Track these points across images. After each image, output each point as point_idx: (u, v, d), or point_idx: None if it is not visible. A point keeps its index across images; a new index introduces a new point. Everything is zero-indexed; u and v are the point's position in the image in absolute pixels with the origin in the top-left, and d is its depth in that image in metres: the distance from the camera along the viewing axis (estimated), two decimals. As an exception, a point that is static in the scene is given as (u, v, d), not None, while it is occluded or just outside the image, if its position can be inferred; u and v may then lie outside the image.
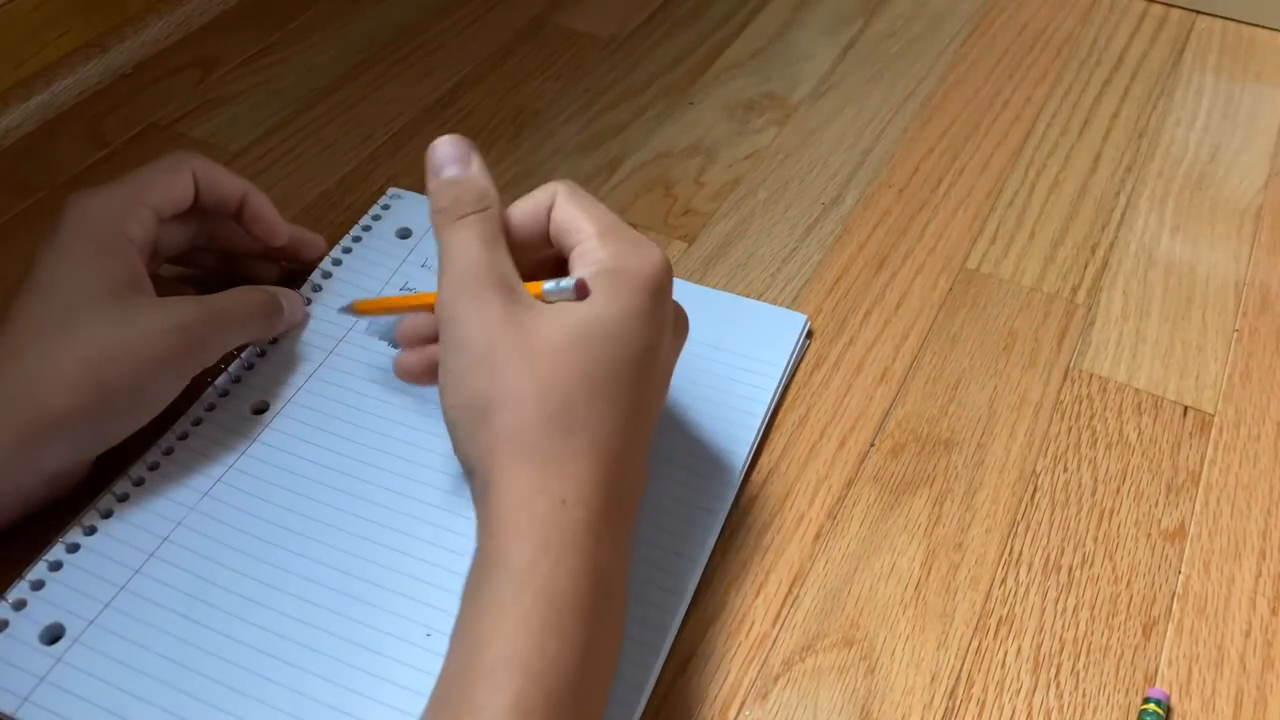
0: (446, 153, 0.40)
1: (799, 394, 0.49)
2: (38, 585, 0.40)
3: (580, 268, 0.38)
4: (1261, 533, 0.44)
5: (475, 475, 0.36)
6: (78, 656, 0.38)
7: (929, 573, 0.43)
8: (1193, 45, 0.70)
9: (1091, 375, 0.50)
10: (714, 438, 0.46)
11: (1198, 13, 0.72)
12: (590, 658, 0.32)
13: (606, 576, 0.34)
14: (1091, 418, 0.48)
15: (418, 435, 0.45)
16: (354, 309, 0.47)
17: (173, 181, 0.45)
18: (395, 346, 0.48)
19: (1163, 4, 0.73)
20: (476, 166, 0.40)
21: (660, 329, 0.38)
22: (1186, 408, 0.49)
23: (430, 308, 0.44)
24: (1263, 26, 0.71)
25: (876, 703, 0.39)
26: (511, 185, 0.58)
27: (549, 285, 0.37)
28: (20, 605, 0.39)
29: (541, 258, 0.41)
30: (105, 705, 0.37)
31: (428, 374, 0.42)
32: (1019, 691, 0.39)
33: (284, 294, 0.48)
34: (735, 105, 0.64)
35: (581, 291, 0.37)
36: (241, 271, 0.52)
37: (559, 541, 0.33)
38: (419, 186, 0.57)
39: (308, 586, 0.40)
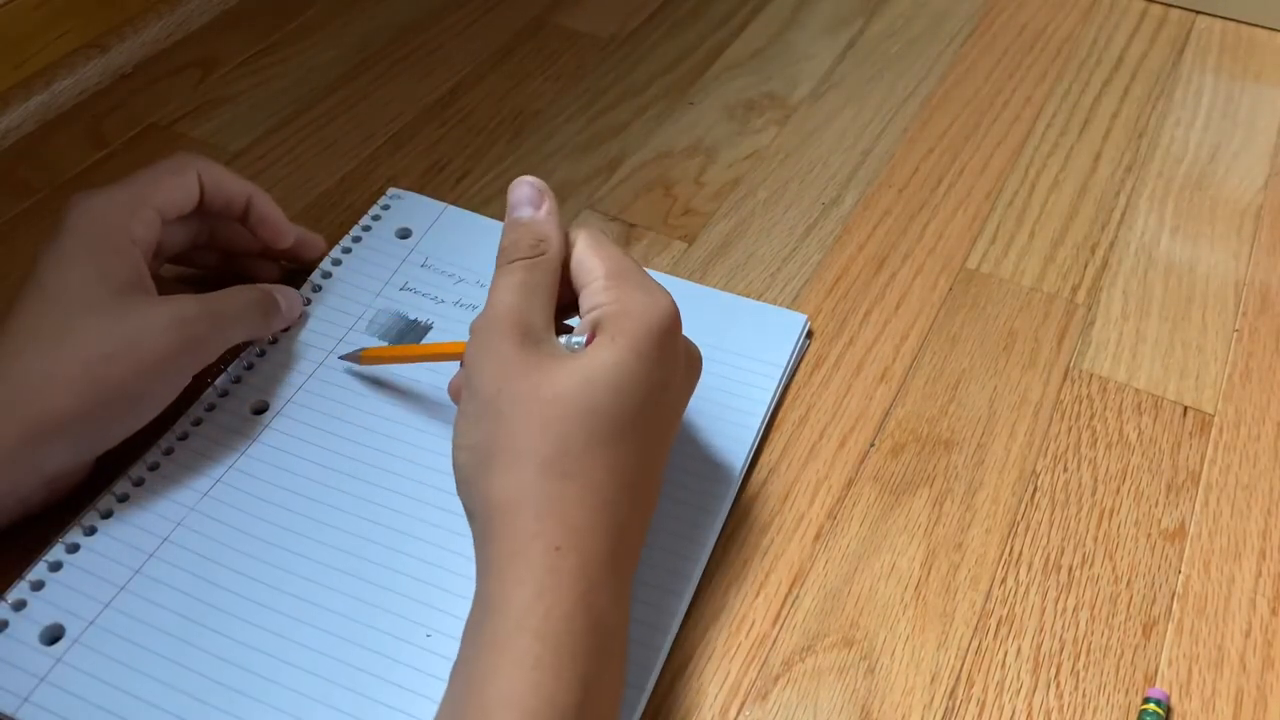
0: (522, 194, 0.41)
1: (799, 394, 0.49)
2: (38, 585, 0.40)
3: (586, 310, 0.39)
4: (1261, 533, 0.44)
5: (475, 520, 0.36)
6: (78, 657, 0.38)
7: (929, 573, 0.43)
8: (1192, 45, 0.70)
9: (1091, 375, 0.50)
10: (714, 437, 0.46)
11: (1198, 13, 0.72)
12: (589, 700, 0.32)
13: (603, 620, 0.33)
14: (1091, 418, 0.48)
15: (417, 435, 0.45)
16: (361, 359, 0.47)
17: (177, 183, 0.45)
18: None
19: (1163, 4, 0.73)
20: (545, 211, 0.41)
21: (667, 373, 0.38)
22: (1186, 408, 0.49)
23: (437, 358, 0.44)
24: (1263, 26, 0.71)
25: (876, 703, 0.39)
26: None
27: (563, 341, 0.38)
28: (20, 605, 0.39)
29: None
30: (105, 706, 0.37)
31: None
32: (1019, 691, 0.39)
33: (281, 291, 0.48)
34: (735, 105, 0.64)
35: (591, 341, 0.37)
36: (242, 271, 0.52)
37: (553, 586, 0.33)
38: (419, 186, 0.58)
39: (307, 587, 0.40)
